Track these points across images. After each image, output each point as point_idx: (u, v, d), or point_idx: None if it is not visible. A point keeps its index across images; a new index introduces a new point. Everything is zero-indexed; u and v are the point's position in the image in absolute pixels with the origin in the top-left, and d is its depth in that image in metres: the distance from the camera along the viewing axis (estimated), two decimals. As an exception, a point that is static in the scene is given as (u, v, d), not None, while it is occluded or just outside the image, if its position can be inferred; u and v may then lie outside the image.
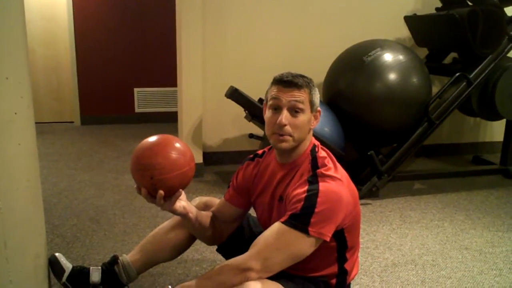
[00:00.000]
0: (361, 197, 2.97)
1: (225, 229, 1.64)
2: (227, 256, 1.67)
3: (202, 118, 3.36)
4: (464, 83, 3.12)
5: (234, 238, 1.67)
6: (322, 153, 1.47)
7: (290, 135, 1.39)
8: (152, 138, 1.39)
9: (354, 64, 3.02)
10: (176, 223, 1.71)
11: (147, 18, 5.06)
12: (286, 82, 1.43)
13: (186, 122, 3.32)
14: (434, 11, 3.50)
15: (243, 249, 1.38)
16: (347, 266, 1.52)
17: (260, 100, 2.90)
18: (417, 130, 3.07)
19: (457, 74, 3.09)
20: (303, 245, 1.32)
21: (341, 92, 3.09)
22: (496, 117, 3.47)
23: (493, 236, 2.53)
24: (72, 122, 5.15)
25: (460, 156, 4.17)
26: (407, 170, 3.56)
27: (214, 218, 1.62)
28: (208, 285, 1.34)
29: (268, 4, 3.49)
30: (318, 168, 1.40)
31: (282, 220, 1.34)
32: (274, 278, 1.36)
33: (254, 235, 1.55)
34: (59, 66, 5.06)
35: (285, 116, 1.38)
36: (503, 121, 3.71)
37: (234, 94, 2.86)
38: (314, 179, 1.37)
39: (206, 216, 1.59)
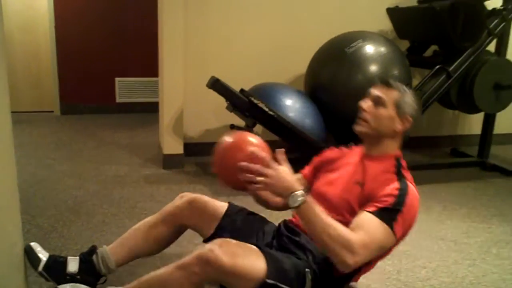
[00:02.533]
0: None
1: None
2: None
3: (183, 108, 3.34)
4: (444, 75, 3.16)
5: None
6: (405, 166, 1.56)
7: (366, 121, 1.54)
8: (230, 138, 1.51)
9: (336, 55, 3.04)
10: (160, 219, 1.71)
11: (129, 7, 4.99)
12: (381, 80, 1.60)
13: (167, 112, 3.30)
14: (416, 4, 3.53)
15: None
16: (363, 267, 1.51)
17: (242, 91, 2.89)
18: (397, 122, 3.09)
19: (437, 67, 3.13)
20: (388, 239, 1.37)
21: (323, 83, 3.11)
22: (474, 110, 3.52)
23: (469, 227, 2.58)
24: (52, 111, 5.07)
25: (438, 148, 4.23)
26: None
27: None
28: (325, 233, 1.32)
29: (250, -6, 3.48)
30: (402, 172, 1.50)
31: (370, 210, 1.38)
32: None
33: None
34: (38, 53, 4.97)
35: (367, 103, 1.56)
36: (481, 115, 3.77)
37: (216, 85, 2.85)
38: (403, 179, 1.47)
39: None
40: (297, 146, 3.15)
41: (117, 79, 5.13)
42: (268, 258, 1.40)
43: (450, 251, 2.28)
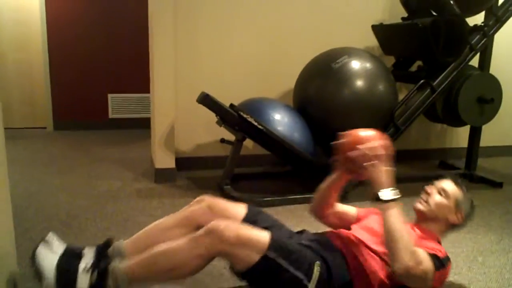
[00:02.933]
0: (329, 200, 3.06)
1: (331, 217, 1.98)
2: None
3: (174, 123, 3.39)
4: (428, 90, 3.24)
5: None
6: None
7: (429, 204, 1.82)
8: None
9: (323, 71, 3.11)
10: (175, 223, 1.73)
11: (121, 25, 5.08)
12: (451, 178, 1.90)
13: (158, 127, 3.35)
14: (400, 21, 3.63)
15: None
16: None
17: (231, 106, 2.95)
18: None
19: (421, 81, 3.22)
20: (430, 276, 1.52)
21: (310, 98, 3.18)
22: (460, 123, 3.61)
23: (455, 237, 2.63)
24: (45, 127, 5.11)
25: (427, 161, 4.31)
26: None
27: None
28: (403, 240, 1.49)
29: (240, 12, 3.57)
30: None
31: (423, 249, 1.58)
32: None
33: None
34: (31, 70, 5.03)
35: (433, 190, 1.85)
36: (468, 128, 3.86)
37: (206, 100, 2.91)
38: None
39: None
40: (286, 159, 3.21)
41: (110, 95, 5.19)
42: (274, 235, 1.50)
43: (436, 260, 2.33)
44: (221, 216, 1.70)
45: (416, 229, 1.81)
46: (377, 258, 1.66)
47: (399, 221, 1.50)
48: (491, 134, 4.40)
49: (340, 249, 1.69)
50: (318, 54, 3.33)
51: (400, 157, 4.19)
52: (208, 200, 1.77)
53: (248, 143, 3.63)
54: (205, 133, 3.67)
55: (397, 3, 3.64)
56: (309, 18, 3.72)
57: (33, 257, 1.54)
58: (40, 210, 2.73)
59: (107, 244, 1.67)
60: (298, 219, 2.77)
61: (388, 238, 1.50)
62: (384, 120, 3.13)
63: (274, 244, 1.48)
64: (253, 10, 3.59)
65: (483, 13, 3.58)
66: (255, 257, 1.44)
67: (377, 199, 1.54)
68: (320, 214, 1.98)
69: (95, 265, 1.52)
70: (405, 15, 3.62)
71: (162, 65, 3.24)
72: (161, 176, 3.35)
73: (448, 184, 1.85)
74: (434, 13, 3.37)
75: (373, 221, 1.85)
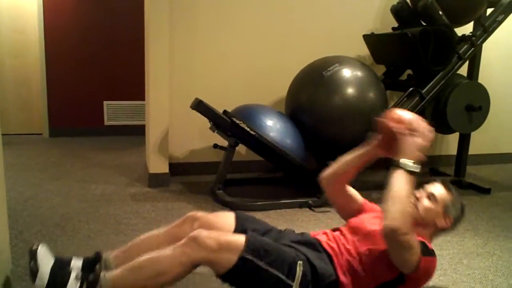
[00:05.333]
0: (320, 205, 3.11)
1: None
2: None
3: (168, 129, 3.45)
4: (417, 97, 3.32)
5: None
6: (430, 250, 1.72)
7: (417, 208, 1.79)
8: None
9: (314, 78, 3.18)
10: (165, 240, 1.73)
11: (117, 32, 5.15)
12: (441, 181, 1.90)
13: (153, 133, 3.40)
14: (390, 31, 3.72)
15: None
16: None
17: (225, 112, 3.01)
18: (374, 141, 3.23)
19: (410, 89, 3.29)
20: (416, 255, 1.54)
21: (302, 105, 3.24)
22: (449, 130, 3.68)
23: (442, 240, 2.68)
24: (41, 134, 5.15)
25: (418, 168, 4.36)
26: (367, 180, 3.72)
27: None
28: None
29: (234, 21, 3.64)
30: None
31: None
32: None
33: None
34: (28, 77, 5.08)
35: (422, 194, 1.84)
36: (457, 136, 3.93)
37: (199, 106, 2.97)
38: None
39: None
40: (278, 165, 3.27)
41: (105, 102, 5.25)
42: (249, 237, 1.54)
43: (423, 262, 2.38)
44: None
45: None
46: (365, 258, 1.68)
47: (405, 188, 1.51)
48: (480, 143, 4.48)
49: (325, 248, 1.73)
50: (310, 62, 3.40)
51: (391, 164, 4.26)
52: (198, 219, 1.77)
53: (241, 149, 3.69)
54: (199, 139, 3.73)
55: (388, 14, 3.72)
56: (302, 27, 3.80)
57: (33, 254, 1.58)
58: (35, 214, 2.77)
59: (96, 258, 1.70)
60: (288, 223, 2.82)
61: (388, 196, 1.52)
62: (374, 127, 3.19)
63: (250, 246, 1.51)
64: (247, 19, 3.67)
65: (471, 23, 3.67)
66: (232, 260, 1.48)
67: (397, 165, 1.54)
68: (330, 185, 1.96)
69: (84, 277, 1.56)
70: (396, 25, 3.71)
71: (157, 72, 3.30)
72: (155, 180, 3.40)
73: (437, 189, 1.84)
74: (424, 23, 3.47)
75: (370, 219, 1.87)
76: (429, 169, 4.28)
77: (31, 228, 2.54)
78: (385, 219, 1.49)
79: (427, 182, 1.95)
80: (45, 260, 1.58)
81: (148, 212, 2.86)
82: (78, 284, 1.54)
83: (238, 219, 1.81)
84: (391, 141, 1.65)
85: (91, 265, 1.64)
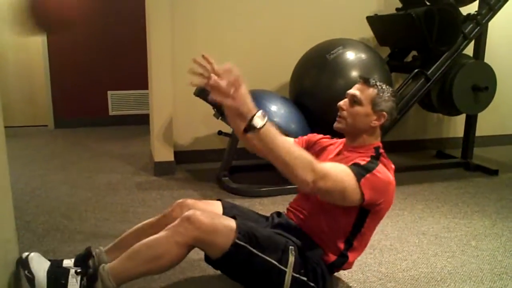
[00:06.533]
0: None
1: None
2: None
3: (172, 117, 3.44)
4: (423, 79, 3.28)
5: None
6: (384, 155, 1.67)
7: (344, 118, 1.69)
8: None
9: (318, 62, 3.15)
10: (155, 223, 1.77)
11: (120, 22, 5.12)
12: (360, 78, 1.73)
13: (157, 122, 3.39)
14: (394, 12, 3.66)
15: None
16: (350, 254, 1.69)
17: (228, 98, 2.99)
18: (379, 124, 3.21)
19: (416, 71, 3.25)
20: (351, 187, 1.48)
21: (306, 89, 3.21)
22: (455, 112, 3.64)
23: (450, 222, 2.67)
24: (46, 125, 5.16)
25: (424, 151, 4.35)
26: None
27: None
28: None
29: (236, 6, 3.60)
30: (379, 157, 1.63)
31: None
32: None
33: None
34: (31, 70, 5.07)
35: (343, 101, 1.72)
36: (464, 118, 3.89)
37: (202, 93, 2.95)
38: (375, 159, 1.60)
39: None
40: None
41: (109, 92, 5.24)
42: (239, 223, 1.54)
43: (431, 244, 2.37)
44: None
45: (347, 152, 1.71)
46: (324, 215, 1.69)
47: (281, 141, 1.34)
48: (487, 124, 4.43)
49: (298, 225, 1.77)
50: (313, 46, 3.36)
51: (398, 148, 4.24)
52: (188, 205, 1.78)
53: (246, 135, 3.67)
54: (203, 126, 3.71)
55: (391, -6, 3.67)
56: (304, 10, 3.75)
57: (24, 262, 1.56)
58: (41, 204, 2.78)
59: (87, 253, 1.68)
60: (295, 208, 2.81)
61: (279, 163, 1.35)
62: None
63: (241, 232, 1.52)
64: (248, 4, 3.62)
65: (476, 2, 3.60)
66: (226, 245, 1.49)
67: (250, 129, 1.31)
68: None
69: (83, 271, 1.56)
70: (400, 5, 3.65)
71: (159, 60, 3.28)
72: (160, 169, 3.40)
73: (358, 88, 1.69)
74: (428, 3, 3.41)
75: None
76: (436, 152, 4.24)
77: (38, 218, 2.55)
78: (297, 183, 1.39)
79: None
80: (39, 265, 1.58)
81: (154, 201, 2.87)
82: (79, 280, 1.55)
83: (225, 208, 1.82)
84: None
85: (85, 261, 1.65)
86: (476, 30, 3.43)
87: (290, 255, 1.57)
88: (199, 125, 3.71)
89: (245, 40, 3.68)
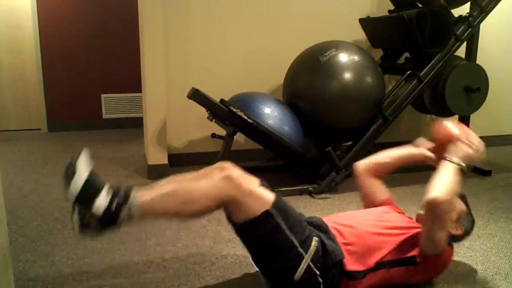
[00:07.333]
0: (320, 192, 3.10)
1: None
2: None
3: (166, 120, 3.43)
4: (415, 80, 3.29)
5: None
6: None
7: None
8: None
9: (311, 64, 3.16)
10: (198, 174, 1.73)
11: (113, 25, 5.12)
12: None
13: (150, 125, 3.39)
14: (386, 14, 3.68)
15: None
16: (368, 276, 1.71)
17: (222, 101, 2.99)
18: (372, 126, 3.22)
19: (408, 72, 3.26)
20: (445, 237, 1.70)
21: (299, 91, 3.22)
22: (447, 113, 3.65)
23: (443, 223, 2.68)
24: (39, 129, 5.14)
25: (418, 152, 4.35)
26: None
27: None
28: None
29: (229, 9, 3.61)
30: None
31: None
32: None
33: None
34: (24, 73, 5.06)
35: None
36: (456, 118, 3.91)
37: (196, 95, 2.95)
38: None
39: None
40: (277, 152, 3.25)
41: (103, 95, 5.23)
42: (278, 196, 1.59)
43: (424, 245, 2.38)
44: None
45: None
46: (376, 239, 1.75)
47: (452, 175, 1.64)
48: (480, 125, 4.44)
49: (330, 229, 1.77)
50: (307, 48, 3.37)
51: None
52: (228, 165, 1.69)
53: (240, 138, 3.68)
54: (197, 129, 3.71)
55: (384, -3, 3.69)
56: (297, 12, 3.77)
57: (73, 161, 1.57)
58: (35, 208, 2.77)
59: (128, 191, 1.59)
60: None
61: (434, 180, 1.64)
62: (372, 111, 3.18)
63: (277, 205, 1.56)
64: (241, 6, 3.63)
65: (468, 4, 3.63)
66: (258, 211, 1.51)
67: (446, 159, 1.69)
68: (366, 174, 2.06)
69: (115, 193, 1.53)
70: (392, 8, 3.67)
71: (153, 62, 3.28)
72: (154, 172, 3.40)
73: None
74: (420, 5, 3.43)
75: (379, 212, 1.93)
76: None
77: (31, 222, 2.54)
78: (431, 191, 1.59)
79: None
80: (85, 166, 1.58)
81: (148, 204, 2.85)
82: (109, 199, 1.51)
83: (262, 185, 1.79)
84: (442, 151, 1.78)
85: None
86: (468, 31, 3.45)
87: (313, 242, 1.59)
88: (193, 128, 3.71)
89: (238, 42, 3.69)
